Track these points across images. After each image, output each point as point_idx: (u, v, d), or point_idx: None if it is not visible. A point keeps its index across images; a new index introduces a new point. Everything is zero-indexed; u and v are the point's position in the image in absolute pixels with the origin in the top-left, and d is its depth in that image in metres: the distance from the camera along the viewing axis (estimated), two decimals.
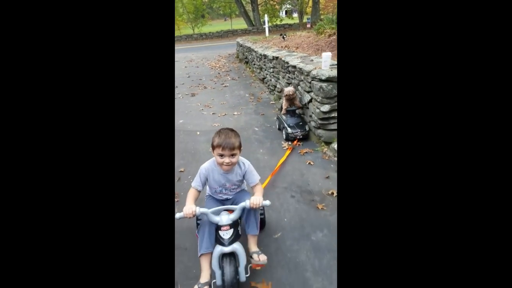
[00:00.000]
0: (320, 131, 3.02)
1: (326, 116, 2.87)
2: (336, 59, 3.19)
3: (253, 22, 19.55)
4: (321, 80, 2.77)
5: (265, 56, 5.33)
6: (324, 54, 2.80)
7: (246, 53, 7.84)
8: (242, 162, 1.57)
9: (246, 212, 1.49)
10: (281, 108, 3.48)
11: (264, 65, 5.59)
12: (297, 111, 3.33)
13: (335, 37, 4.58)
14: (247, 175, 1.56)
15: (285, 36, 6.55)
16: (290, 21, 23.44)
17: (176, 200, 2.30)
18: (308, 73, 3.03)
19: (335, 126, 2.93)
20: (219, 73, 7.63)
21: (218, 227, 1.38)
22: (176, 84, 6.49)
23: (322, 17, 11.33)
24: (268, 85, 5.36)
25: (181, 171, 2.78)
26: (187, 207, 1.35)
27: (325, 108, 2.83)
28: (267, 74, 5.44)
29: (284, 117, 3.31)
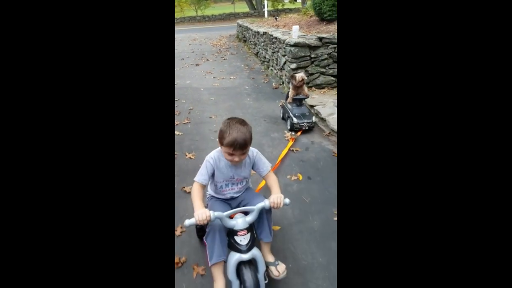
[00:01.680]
0: (291, 85, 4.16)
1: (295, 72, 4.00)
2: (304, 31, 4.27)
3: (255, 6, 20.22)
4: (290, 45, 3.89)
5: (258, 33, 6.40)
6: (294, 27, 3.91)
7: (244, 32, 8.85)
8: (250, 153, 1.35)
9: (260, 216, 1.27)
10: (287, 96, 3.23)
11: (257, 40, 6.67)
12: (304, 101, 3.11)
13: (315, 17, 5.62)
14: (257, 164, 1.36)
15: (277, 17, 7.56)
16: (292, 6, 24.03)
17: (175, 123, 3.47)
18: (283, 41, 4.14)
19: None
20: (219, 50, 8.67)
21: (232, 232, 1.19)
22: (182, 57, 7.58)
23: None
24: (260, 58, 6.45)
25: (190, 108, 3.96)
26: (200, 212, 1.12)
27: (293, 66, 3.96)
28: (260, 49, 6.52)
29: (289, 106, 3.10)
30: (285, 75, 4.32)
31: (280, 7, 21.98)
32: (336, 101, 3.54)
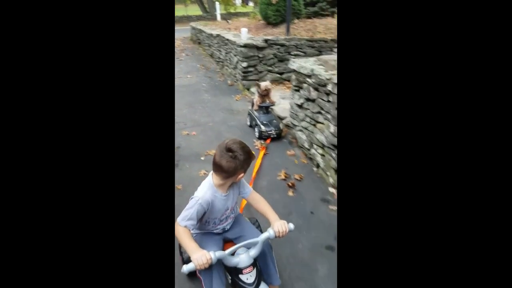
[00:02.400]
0: (244, 82, 4.69)
1: (245, 70, 4.55)
2: (252, 33, 4.83)
3: (207, 9, 20.50)
4: (240, 46, 4.42)
5: (212, 35, 6.83)
6: (242, 30, 4.45)
7: (198, 34, 9.18)
8: None
9: (262, 252, 1.12)
10: (253, 104, 3.27)
11: (211, 42, 7.09)
12: (270, 108, 3.16)
13: (262, 21, 6.25)
14: (241, 188, 1.23)
15: (229, 21, 8.07)
16: (244, 10, 24.81)
17: None
18: (234, 42, 4.66)
19: (252, 77, 4.62)
20: (175, 51, 8.87)
21: (236, 271, 1.06)
22: None
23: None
24: (215, 58, 6.88)
25: None
26: (199, 256, 0.96)
27: (245, 64, 4.49)
28: (214, 50, 6.95)
29: (256, 113, 3.13)
30: (239, 73, 4.83)
31: (232, 10, 22.58)
32: (281, 94, 4.16)
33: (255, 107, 3.20)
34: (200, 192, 1.12)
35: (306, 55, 4.37)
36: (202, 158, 2.76)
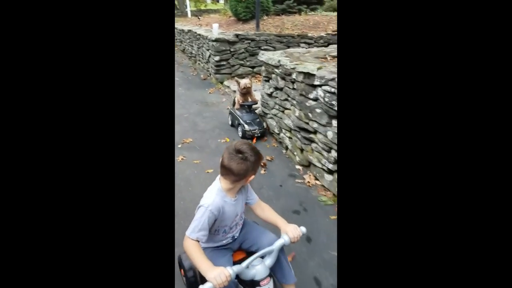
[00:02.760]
0: (217, 75, 4.85)
1: (218, 63, 4.71)
2: (223, 29, 5.00)
3: (178, 6, 20.11)
4: (212, 41, 4.57)
5: (183, 31, 6.87)
6: (214, 25, 4.61)
7: None
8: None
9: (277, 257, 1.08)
10: (234, 102, 3.20)
11: (183, 38, 7.13)
12: (253, 107, 3.07)
13: (233, 18, 6.42)
14: (248, 193, 1.19)
15: (200, 17, 8.13)
16: (215, 7, 24.68)
17: None
18: (206, 37, 4.79)
19: (225, 71, 4.79)
20: None
21: (253, 283, 1.00)
22: None
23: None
24: (187, 54, 6.93)
25: None
26: (217, 274, 0.88)
27: (217, 58, 4.65)
28: (186, 45, 7.00)
29: (238, 112, 3.04)
30: (211, 67, 4.97)
31: (203, 7, 22.34)
32: (253, 87, 4.39)
33: (237, 105, 3.10)
34: (208, 199, 1.04)
35: (275, 49, 4.64)
36: (179, 146, 2.91)
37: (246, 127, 2.90)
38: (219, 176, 1.09)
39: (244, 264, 0.96)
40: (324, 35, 4.96)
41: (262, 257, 1.03)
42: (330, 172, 2.10)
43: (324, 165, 2.12)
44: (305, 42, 4.92)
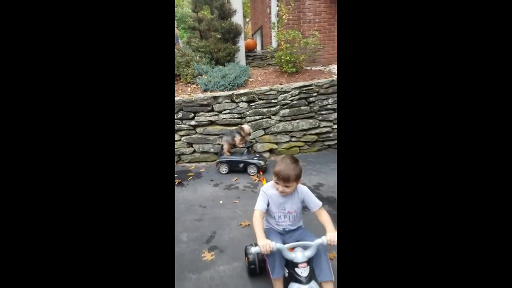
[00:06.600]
0: None
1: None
2: None
3: None
4: None
5: None
6: None
7: None
8: (299, 190, 1.50)
9: (317, 253, 1.33)
10: (221, 153, 3.48)
11: None
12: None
13: None
14: (306, 200, 1.49)
15: None
16: None
17: None
18: None
19: None
20: None
21: (293, 264, 1.28)
22: None
23: None
24: None
25: None
26: (264, 243, 1.23)
27: None
28: None
29: (238, 156, 3.40)
30: None
31: None
32: None
33: (226, 152, 3.43)
34: (265, 185, 1.54)
35: None
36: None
37: (262, 162, 3.30)
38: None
39: (286, 246, 1.29)
40: None
41: (306, 249, 1.32)
42: None
43: None
44: None
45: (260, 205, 1.46)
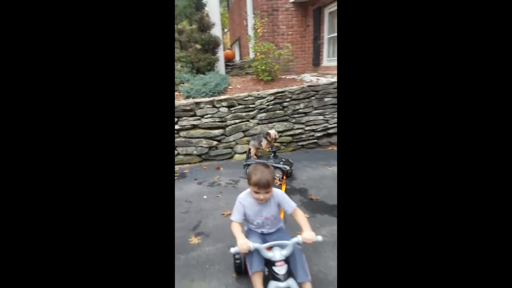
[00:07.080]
0: None
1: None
2: None
3: None
4: None
5: None
6: None
7: None
8: (274, 194, 1.54)
9: (292, 254, 1.41)
10: (248, 156, 3.58)
11: None
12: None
13: None
14: (282, 203, 1.55)
15: None
16: None
17: None
18: None
19: None
20: None
21: (270, 262, 1.36)
22: None
23: None
24: None
25: None
26: (242, 242, 1.33)
27: None
28: None
29: (271, 160, 3.41)
30: None
31: None
32: None
33: (256, 154, 3.58)
34: (240, 195, 1.58)
35: None
36: None
37: (288, 167, 3.37)
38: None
39: (263, 245, 1.38)
40: None
41: (283, 248, 1.40)
42: None
43: None
44: None
45: (235, 217, 1.51)
